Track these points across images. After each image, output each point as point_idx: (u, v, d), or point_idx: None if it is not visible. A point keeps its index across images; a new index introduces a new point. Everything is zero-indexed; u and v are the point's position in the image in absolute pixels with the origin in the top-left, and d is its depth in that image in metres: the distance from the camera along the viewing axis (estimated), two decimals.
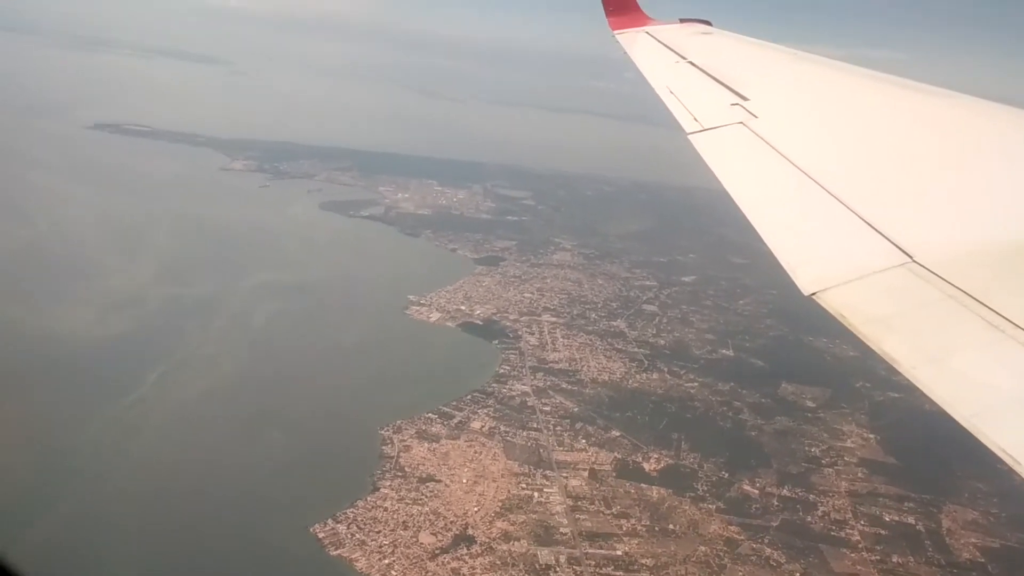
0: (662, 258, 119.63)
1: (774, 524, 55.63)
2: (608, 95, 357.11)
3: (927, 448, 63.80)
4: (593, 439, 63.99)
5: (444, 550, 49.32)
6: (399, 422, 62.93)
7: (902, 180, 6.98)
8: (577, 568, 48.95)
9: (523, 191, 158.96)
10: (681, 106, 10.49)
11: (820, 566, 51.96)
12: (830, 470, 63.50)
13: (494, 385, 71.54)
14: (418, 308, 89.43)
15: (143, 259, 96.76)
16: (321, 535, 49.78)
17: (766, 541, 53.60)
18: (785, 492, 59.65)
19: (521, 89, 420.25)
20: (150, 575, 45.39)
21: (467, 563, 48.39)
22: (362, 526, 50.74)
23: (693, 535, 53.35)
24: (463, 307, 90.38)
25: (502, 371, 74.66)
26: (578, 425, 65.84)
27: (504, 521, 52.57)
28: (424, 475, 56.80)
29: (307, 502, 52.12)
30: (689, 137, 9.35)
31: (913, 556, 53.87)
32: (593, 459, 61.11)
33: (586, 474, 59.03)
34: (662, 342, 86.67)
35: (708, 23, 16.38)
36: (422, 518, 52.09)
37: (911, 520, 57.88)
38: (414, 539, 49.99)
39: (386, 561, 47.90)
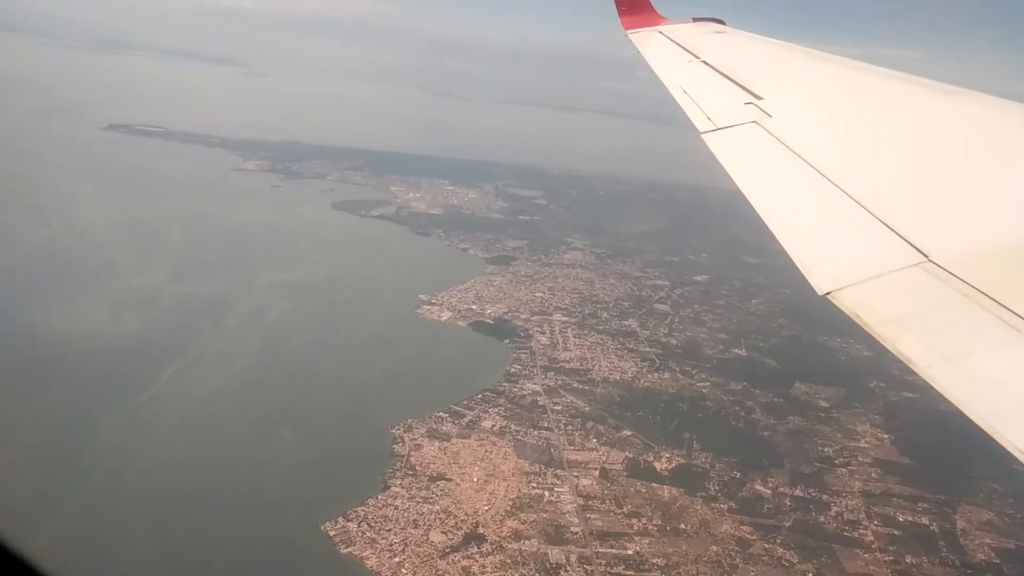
0: (674, 257, 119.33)
1: (786, 524, 55.41)
2: (621, 94, 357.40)
3: (942, 448, 63.39)
4: (604, 438, 63.92)
5: (454, 549, 49.40)
6: (410, 421, 63.09)
7: (917, 179, 6.94)
8: (588, 567, 48.92)
9: (535, 190, 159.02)
10: (694, 105, 10.46)
11: (833, 566, 51.71)
12: (843, 470, 63.18)
13: (505, 384, 71.59)
14: (429, 307, 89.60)
15: (156, 258, 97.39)
16: (332, 533, 49.96)
17: (778, 541, 53.40)
18: (798, 492, 59.40)
19: (533, 89, 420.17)
20: (163, 572, 45.70)
21: (477, 562, 48.46)
22: (373, 524, 50.90)
23: (704, 535, 53.22)
24: (474, 306, 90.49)
25: (513, 370, 74.70)
26: (589, 424, 65.79)
27: (515, 520, 52.60)
28: (435, 474, 56.91)
29: (318, 500, 52.32)
30: (703, 136, 9.32)
31: (927, 557, 53.54)
32: (604, 458, 61.05)
33: (597, 473, 58.98)
34: (674, 341, 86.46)
35: (722, 22, 16.33)
36: (432, 516, 52.19)
37: (925, 521, 57.52)
38: (424, 537, 50.11)
39: (396, 559, 48.03)
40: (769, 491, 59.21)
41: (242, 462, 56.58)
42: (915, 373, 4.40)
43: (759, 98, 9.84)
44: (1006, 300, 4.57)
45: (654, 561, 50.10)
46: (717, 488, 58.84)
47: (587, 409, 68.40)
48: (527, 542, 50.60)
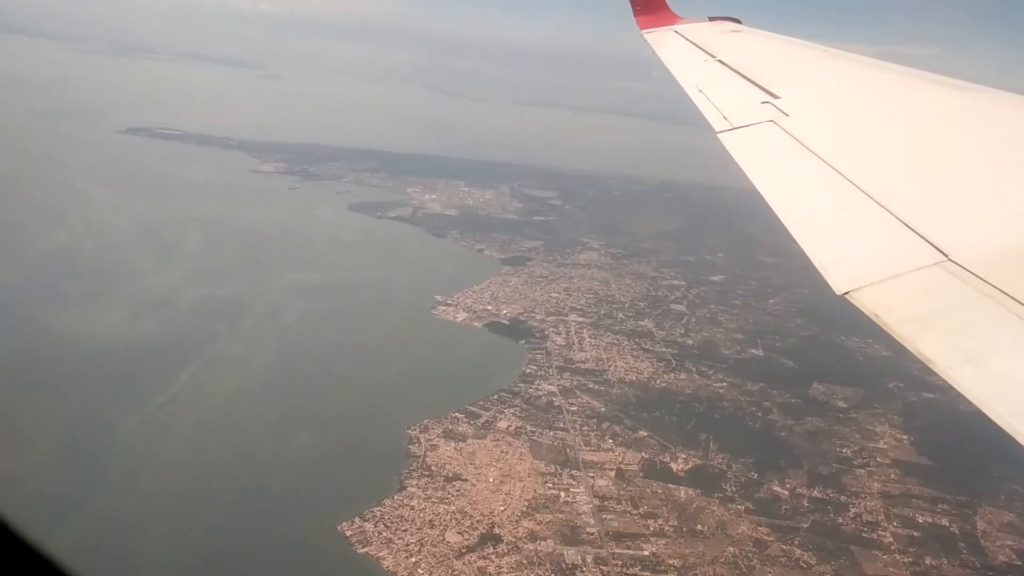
0: (690, 257, 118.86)
1: (804, 525, 55.05)
2: (636, 94, 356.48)
3: (962, 449, 62.71)
4: (620, 439, 63.77)
5: (470, 549, 49.46)
6: (426, 421, 63.23)
7: (937, 177, 6.88)
8: (604, 568, 48.82)
9: (550, 191, 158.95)
10: (711, 105, 10.44)
11: (851, 568, 51.33)
12: (862, 471, 62.68)
13: (521, 385, 71.59)
14: (445, 308, 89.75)
15: (174, 261, 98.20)
16: (349, 533, 50.14)
17: (796, 542, 53.06)
18: (816, 493, 58.98)
19: (549, 89, 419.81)
20: (180, 572, 46.05)
21: (493, 562, 48.48)
22: (389, 524, 51.04)
23: (721, 536, 52.96)
24: (490, 307, 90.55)
25: (529, 371, 74.68)
26: (605, 425, 65.66)
27: (530, 520, 52.58)
28: (450, 474, 57.01)
29: (335, 500, 52.52)
30: (719, 136, 9.30)
31: (947, 558, 52.99)
32: (620, 459, 60.91)
33: (613, 474, 58.85)
34: (690, 342, 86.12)
35: (737, 21, 16.27)
36: (448, 517, 52.28)
37: (945, 522, 56.94)
38: (440, 538, 50.19)
39: (413, 559, 48.15)
40: (787, 492, 58.84)
41: (259, 463, 56.92)
42: (934, 373, 4.37)
43: (776, 97, 9.80)
44: None
45: (670, 562, 49.91)
46: (734, 489, 58.54)
47: (603, 410, 68.28)
48: (543, 543, 50.56)
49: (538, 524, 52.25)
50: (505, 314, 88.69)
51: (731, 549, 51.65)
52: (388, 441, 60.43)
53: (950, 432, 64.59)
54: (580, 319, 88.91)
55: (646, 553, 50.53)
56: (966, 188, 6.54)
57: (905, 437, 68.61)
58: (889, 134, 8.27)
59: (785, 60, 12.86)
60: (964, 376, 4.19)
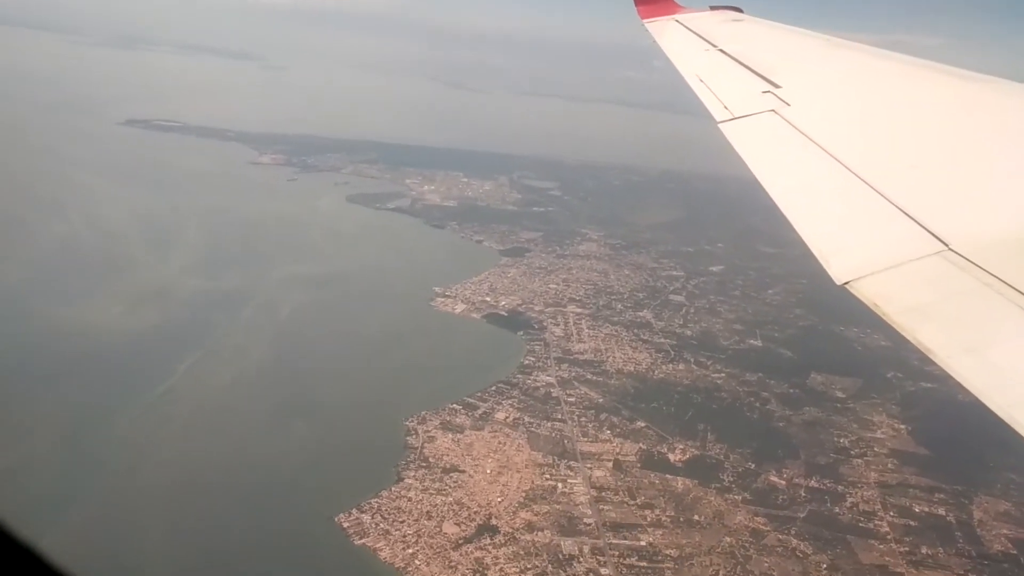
0: (690, 248, 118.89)
1: (801, 515, 55.25)
2: (637, 84, 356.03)
3: (959, 439, 62.98)
4: (618, 430, 63.90)
5: (467, 540, 49.59)
6: (424, 413, 63.31)
7: (937, 167, 6.86)
8: (601, 558, 49.01)
9: (550, 182, 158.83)
10: (711, 94, 10.39)
11: (847, 557, 51.54)
12: (859, 461, 62.87)
13: (519, 376, 71.66)
14: (443, 299, 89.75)
15: (173, 252, 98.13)
16: (346, 524, 50.25)
17: (792, 532, 53.26)
18: (813, 483, 59.18)
19: (548, 79, 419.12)
20: (178, 563, 46.13)
21: (490, 553, 48.62)
22: (386, 516, 51.16)
23: (718, 526, 53.15)
24: (488, 298, 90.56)
25: (527, 362, 74.77)
26: (603, 416, 65.77)
27: (528, 511, 52.73)
28: (448, 465, 57.12)
29: (332, 492, 52.64)
30: (720, 126, 9.26)
31: (943, 548, 53.23)
32: (618, 450, 61.04)
33: (611, 465, 59.00)
34: (689, 332, 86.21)
35: (739, 10, 16.19)
36: (446, 508, 52.41)
37: (942, 511, 57.18)
38: (438, 529, 50.34)
39: (410, 551, 48.29)
40: (784, 482, 59.03)
41: (257, 454, 56.99)
42: (933, 363, 4.36)
43: (777, 86, 9.76)
44: None
45: (667, 552, 50.11)
46: (731, 479, 58.72)
47: (601, 400, 68.39)
48: (540, 533, 50.71)
49: (535, 515, 52.40)
50: (504, 305, 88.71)
51: (728, 539, 51.86)
52: (386, 432, 60.50)
53: (948, 422, 64.90)
54: (579, 310, 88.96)
55: (643, 543, 50.71)
56: (967, 177, 6.52)
57: (903, 427, 68.80)
58: (891, 124, 8.24)
59: (787, 49, 12.79)
60: (964, 366, 4.18)
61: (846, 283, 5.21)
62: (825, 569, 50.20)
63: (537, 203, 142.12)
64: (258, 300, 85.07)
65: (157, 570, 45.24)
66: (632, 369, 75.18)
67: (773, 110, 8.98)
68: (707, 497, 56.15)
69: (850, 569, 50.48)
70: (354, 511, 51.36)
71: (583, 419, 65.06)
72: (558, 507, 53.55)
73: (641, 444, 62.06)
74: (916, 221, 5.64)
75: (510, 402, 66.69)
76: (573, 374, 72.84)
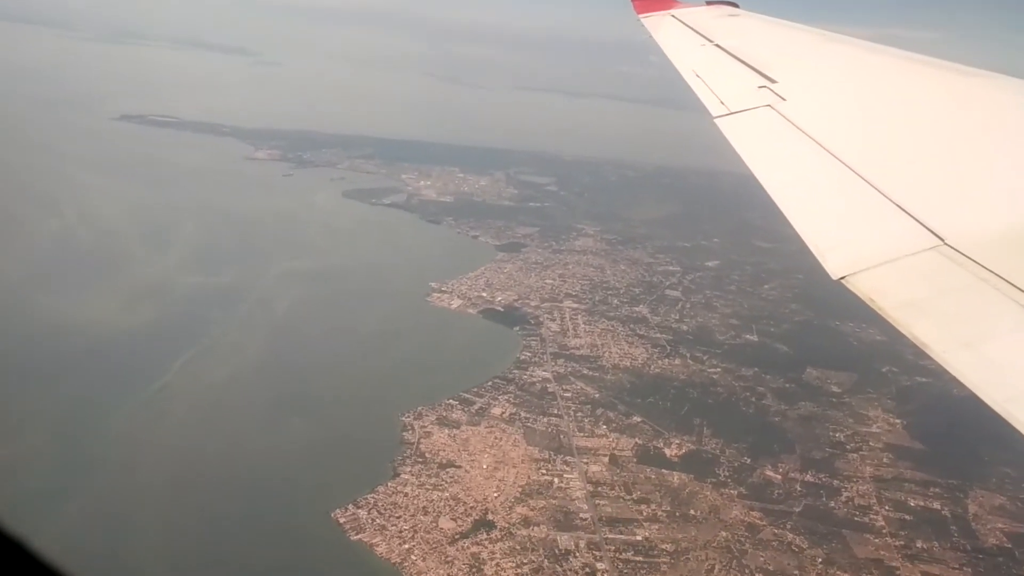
0: (686, 243, 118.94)
1: (796, 509, 55.42)
2: (633, 79, 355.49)
3: (954, 433, 63.23)
4: (614, 425, 63.98)
5: (464, 535, 49.64)
6: (420, 408, 63.31)
7: (933, 162, 6.86)
8: (597, 553, 49.10)
9: (546, 177, 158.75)
10: (707, 89, 10.38)
11: (843, 551, 51.70)
12: (855, 455, 63.06)
13: (515, 371, 71.69)
14: (439, 295, 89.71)
15: (168, 248, 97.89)
16: (342, 520, 50.27)
17: (788, 526, 53.41)
18: (808, 478, 59.35)
19: (545, 75, 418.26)
20: (174, 559, 46.11)
21: (487, 548, 48.68)
22: (383, 511, 51.18)
23: (714, 520, 53.28)
24: (484, 294, 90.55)
25: (523, 357, 74.79)
26: (599, 411, 65.85)
27: (524, 507, 52.80)
28: (444, 461, 57.15)
29: (329, 488, 52.63)
30: (716, 121, 9.26)
31: (938, 542, 53.44)
32: (614, 445, 61.13)
33: (607, 460, 59.08)
34: (685, 328, 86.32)
35: (735, 5, 16.17)
36: (442, 503, 52.44)
37: (937, 505, 57.40)
38: (434, 524, 50.38)
39: (406, 546, 48.33)
40: (779, 477, 59.19)
41: (253, 450, 56.96)
42: (928, 358, 4.37)
43: (773, 81, 9.75)
44: (1023, 283, 4.52)
45: (663, 547, 50.24)
46: (727, 474, 58.86)
47: (597, 396, 68.46)
48: (536, 528, 50.79)
49: (531, 510, 52.47)
50: (500, 301, 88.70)
51: (724, 533, 51.98)
52: (382, 428, 60.49)
53: (943, 416, 65.13)
54: (575, 305, 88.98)
55: (639, 538, 50.82)
56: (963, 172, 6.52)
57: (898, 421, 69.02)
58: (887, 119, 8.23)
59: (783, 44, 12.78)
60: (959, 360, 4.19)
61: (842, 278, 5.22)
62: (820, 563, 50.34)
63: (533, 198, 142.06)
64: (254, 296, 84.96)
65: (153, 566, 45.18)
66: (628, 364, 75.26)
67: (769, 105, 8.97)
68: (703, 492, 56.28)
69: (845, 563, 50.62)
70: (350, 507, 51.37)
71: (579, 414, 65.12)
72: (554, 502, 53.62)
73: (637, 439, 62.15)
74: (912, 216, 5.64)
75: (506, 397, 66.72)
76: (569, 369, 72.88)
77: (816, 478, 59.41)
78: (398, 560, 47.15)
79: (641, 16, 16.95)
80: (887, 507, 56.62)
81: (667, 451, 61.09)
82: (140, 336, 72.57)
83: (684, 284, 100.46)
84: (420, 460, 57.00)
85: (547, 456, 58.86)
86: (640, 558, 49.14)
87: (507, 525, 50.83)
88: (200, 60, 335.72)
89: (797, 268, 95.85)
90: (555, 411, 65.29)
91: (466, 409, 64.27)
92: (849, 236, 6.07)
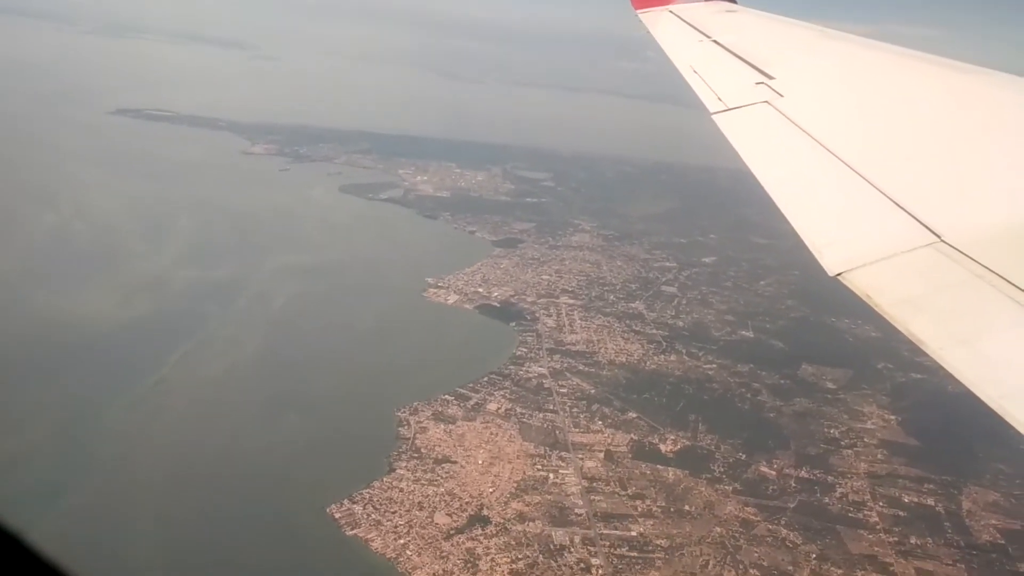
0: (682, 239, 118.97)
1: (791, 505, 55.59)
2: (630, 75, 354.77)
3: (949, 430, 63.48)
4: (609, 421, 64.08)
5: (459, 530, 49.71)
6: (416, 404, 63.31)
7: (930, 159, 6.86)
8: (592, 549, 49.22)
9: (543, 172, 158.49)
10: (705, 85, 10.37)
11: (837, 547, 51.89)
12: (849, 451, 63.26)
13: (511, 367, 71.72)
14: (436, 290, 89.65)
15: (164, 242, 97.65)
16: (338, 515, 50.29)
17: (782, 522, 53.60)
18: (803, 474, 59.53)
19: (542, 70, 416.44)
20: (169, 554, 46.10)
21: (482, 543, 48.76)
22: (378, 506, 51.22)
23: (709, 516, 53.44)
24: (481, 289, 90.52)
25: (519, 353, 74.81)
26: (595, 407, 65.94)
27: (519, 502, 52.88)
28: (440, 456, 57.19)
29: (324, 483, 52.65)
30: (713, 117, 9.25)
31: (932, 538, 53.65)
32: (609, 440, 61.23)
33: (602, 455, 59.18)
34: (681, 324, 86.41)
35: (733, 0, 16.14)
36: (437, 499, 52.49)
37: (931, 502, 57.63)
38: (429, 519, 50.43)
39: (401, 541, 48.38)
40: (774, 473, 59.36)
41: (249, 445, 56.93)
42: (923, 354, 4.38)
43: (771, 78, 9.74)
44: (1019, 281, 4.53)
45: (658, 542, 50.37)
46: (722, 470, 59.01)
47: (593, 391, 68.54)
48: (531, 524, 50.87)
49: (527, 505, 52.56)
50: (496, 296, 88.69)
51: (718, 529, 52.14)
52: (378, 423, 60.51)
53: (937, 412, 65.36)
54: (571, 301, 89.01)
55: (634, 533, 50.95)
56: (960, 170, 6.52)
57: (893, 418, 69.23)
58: (884, 115, 8.23)
59: (780, 40, 12.76)
60: (956, 357, 4.19)
61: (838, 274, 5.22)
62: (814, 559, 50.53)
63: (530, 194, 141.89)
64: (250, 291, 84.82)
65: (148, 561, 45.16)
66: (624, 360, 75.34)
67: (767, 101, 8.96)
68: (698, 487, 56.42)
69: (839, 559, 50.84)
70: (346, 502, 51.40)
71: (575, 410, 65.20)
72: (549, 497, 53.71)
73: (632, 435, 62.26)
74: (909, 213, 5.64)
75: (502, 393, 66.76)
76: (565, 365, 72.94)
77: (811, 474, 59.58)
78: (393, 555, 47.20)
79: (639, 12, 16.92)
80: (881, 503, 56.83)
81: (662, 447, 61.20)
82: (136, 331, 72.40)
83: (680, 280, 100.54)
84: (416, 455, 57.02)
85: (542, 452, 58.93)
86: (635, 554, 49.26)
87: (502, 520, 50.90)
88: (197, 54, 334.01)
89: (793, 264, 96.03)
90: (551, 407, 65.35)
91: (462, 405, 64.29)
92: (846, 233, 6.07)
